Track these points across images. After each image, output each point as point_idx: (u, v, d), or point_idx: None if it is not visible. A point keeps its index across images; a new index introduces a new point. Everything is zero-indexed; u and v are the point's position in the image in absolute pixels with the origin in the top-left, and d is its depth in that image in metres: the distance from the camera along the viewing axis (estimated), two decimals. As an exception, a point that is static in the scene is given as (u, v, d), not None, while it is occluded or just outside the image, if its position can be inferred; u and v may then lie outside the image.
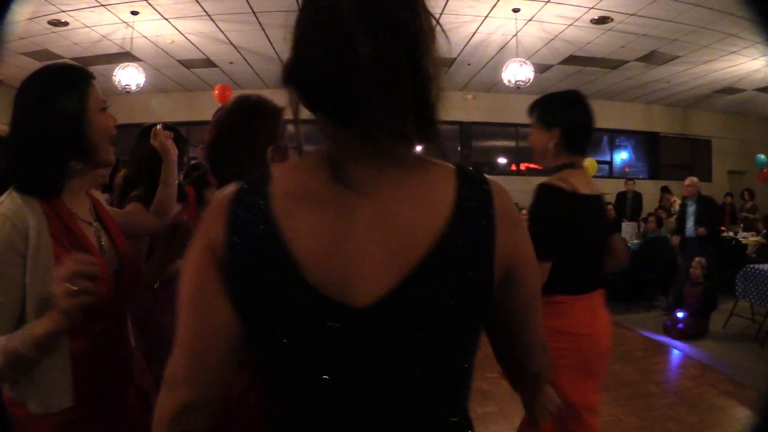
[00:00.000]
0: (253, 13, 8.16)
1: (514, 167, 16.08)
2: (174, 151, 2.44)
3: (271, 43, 9.74)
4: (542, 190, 2.62)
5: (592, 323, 2.57)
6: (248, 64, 11.16)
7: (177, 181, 2.54)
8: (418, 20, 0.97)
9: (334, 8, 0.89)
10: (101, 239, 1.75)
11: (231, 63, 11.10)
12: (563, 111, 2.70)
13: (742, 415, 4.94)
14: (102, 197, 2.63)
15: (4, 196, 1.55)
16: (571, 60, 11.44)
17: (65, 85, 1.62)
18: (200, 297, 0.96)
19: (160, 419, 0.95)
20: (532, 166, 15.91)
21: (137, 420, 1.78)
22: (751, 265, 7.52)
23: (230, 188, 0.98)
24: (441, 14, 8.38)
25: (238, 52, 10.30)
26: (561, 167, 2.67)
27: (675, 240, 9.18)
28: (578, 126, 2.69)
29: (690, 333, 7.30)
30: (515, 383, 1.29)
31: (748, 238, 11.04)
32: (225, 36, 9.29)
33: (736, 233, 11.54)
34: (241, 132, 1.85)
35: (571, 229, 2.51)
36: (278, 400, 1.01)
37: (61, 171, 1.61)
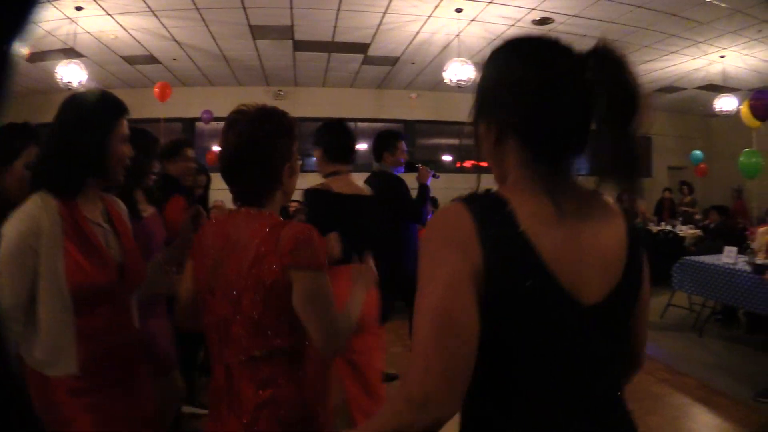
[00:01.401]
0: (197, 9, 8.08)
1: (459, 164, 16.24)
2: None
3: (214, 40, 9.67)
4: (308, 193, 3.52)
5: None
6: (192, 60, 11.05)
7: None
8: (637, 91, 1.15)
9: (577, 82, 1.15)
10: (108, 238, 1.99)
11: (174, 60, 10.96)
12: (325, 135, 3.61)
13: (679, 402, 5.15)
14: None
15: (34, 195, 1.84)
16: (513, 60, 11.51)
17: (99, 117, 1.93)
18: (456, 316, 1.07)
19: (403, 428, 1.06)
20: (479, 163, 16.16)
21: (146, 399, 2.10)
22: (686, 257, 7.79)
23: (457, 211, 1.14)
24: (384, 13, 8.46)
25: (182, 48, 10.18)
26: (328, 175, 3.52)
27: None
28: (336, 144, 3.55)
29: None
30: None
31: (686, 231, 11.39)
32: (168, 32, 9.16)
33: (674, 226, 11.89)
34: (265, 149, 1.87)
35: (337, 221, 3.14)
36: (507, 389, 1.17)
37: (79, 183, 1.90)
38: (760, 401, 5.07)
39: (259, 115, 1.90)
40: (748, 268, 6.51)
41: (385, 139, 5.04)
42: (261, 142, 1.86)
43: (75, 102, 1.95)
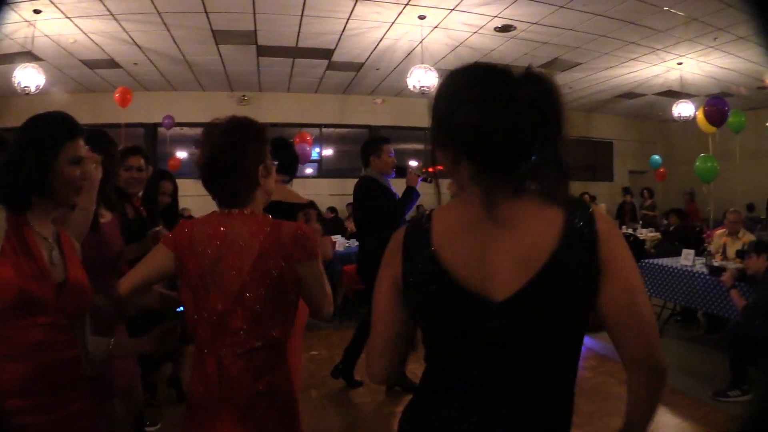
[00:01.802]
0: (158, 13, 8.00)
1: (425, 170, 16.22)
2: (97, 177, 2.46)
3: (176, 44, 9.59)
4: None
5: None
6: (154, 65, 10.95)
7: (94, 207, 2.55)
8: (562, 108, 1.33)
9: (512, 99, 1.29)
10: (52, 254, 1.97)
11: (135, 64, 10.84)
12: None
13: None
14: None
15: None
16: (477, 66, 11.60)
17: (45, 140, 1.97)
18: (382, 311, 1.51)
19: (373, 376, 1.57)
20: (438, 169, 16.26)
21: (86, 423, 2.01)
22: (646, 260, 7.92)
23: (396, 236, 1.48)
24: (348, 19, 8.48)
25: (143, 52, 10.07)
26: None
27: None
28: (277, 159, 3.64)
29: (590, 325, 7.61)
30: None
31: (646, 234, 11.58)
32: (129, 36, 9.04)
33: (635, 230, 12.08)
34: (237, 154, 2.05)
35: None
36: (434, 365, 1.47)
37: (24, 201, 1.92)
38: (718, 400, 5.16)
39: (230, 125, 2.10)
40: (705, 270, 6.64)
41: (370, 144, 5.09)
42: (233, 149, 2.05)
43: (29, 122, 2.02)
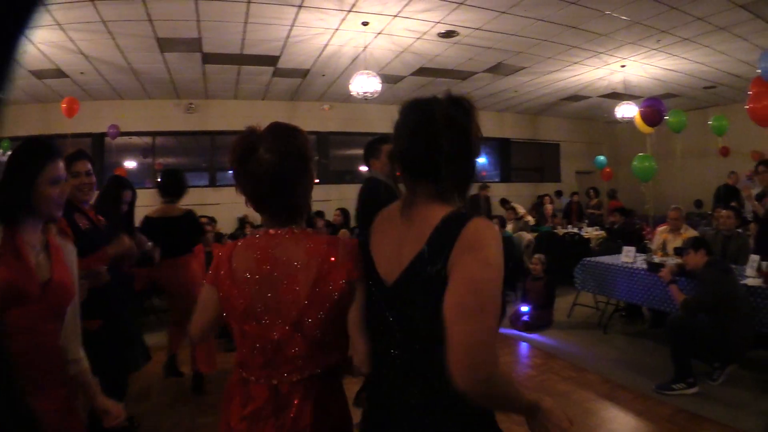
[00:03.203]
0: (103, 22, 7.86)
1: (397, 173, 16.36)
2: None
3: (122, 53, 9.43)
4: (145, 218, 5.56)
5: None
6: (99, 74, 10.73)
7: None
8: (474, 125, 1.68)
9: (431, 118, 1.64)
10: (39, 257, 2.25)
11: (82, 73, 10.60)
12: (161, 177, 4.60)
13: (583, 398, 5.31)
14: None
15: None
16: (422, 71, 11.73)
17: (26, 164, 2.23)
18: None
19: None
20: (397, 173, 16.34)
21: (64, 421, 2.23)
22: (587, 258, 8.10)
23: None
24: (292, 26, 8.47)
25: (89, 62, 9.86)
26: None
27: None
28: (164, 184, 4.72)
29: (535, 324, 7.77)
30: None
31: (591, 233, 11.81)
32: (75, 45, 8.85)
33: (580, 229, 12.31)
34: (306, 165, 1.96)
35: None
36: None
37: (14, 217, 2.19)
38: (663, 393, 5.28)
39: (282, 131, 1.93)
40: (644, 266, 6.80)
41: (369, 146, 5.03)
42: (304, 159, 1.91)
43: (16, 148, 2.30)
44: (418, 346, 1.64)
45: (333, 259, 1.82)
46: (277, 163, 1.84)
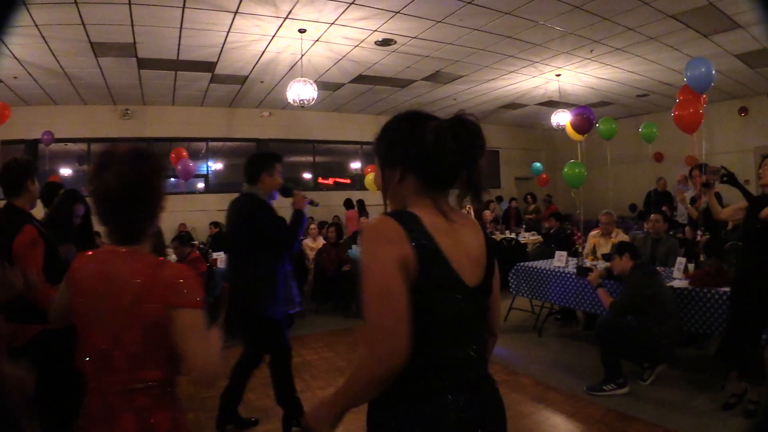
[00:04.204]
0: (35, 25, 7.69)
1: (321, 180, 16.48)
2: None
3: (55, 57, 9.23)
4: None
5: None
6: (33, 78, 10.46)
7: None
8: (483, 142, 1.76)
9: (480, 138, 1.76)
10: None
11: (15, 78, 10.32)
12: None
13: (515, 401, 5.34)
14: None
15: None
16: (360, 79, 11.78)
17: None
18: (391, 287, 1.55)
19: (371, 381, 1.58)
20: (340, 180, 16.37)
21: None
22: (520, 263, 8.22)
23: (389, 221, 1.63)
24: (228, 32, 8.43)
25: (22, 66, 9.62)
26: None
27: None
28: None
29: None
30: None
31: (528, 238, 12.01)
32: (8, 49, 8.64)
33: (518, 234, 12.50)
34: (145, 188, 1.98)
35: None
36: (425, 338, 1.62)
37: None
38: (593, 394, 5.40)
39: (137, 154, 2.00)
40: (574, 270, 6.96)
41: (264, 160, 4.65)
42: (142, 181, 1.95)
43: None
44: (486, 336, 1.90)
45: (152, 282, 1.88)
46: (120, 187, 1.92)
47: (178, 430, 1.98)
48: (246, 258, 4.54)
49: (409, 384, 1.61)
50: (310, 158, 16.34)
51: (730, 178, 5.15)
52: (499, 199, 17.20)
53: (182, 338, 1.86)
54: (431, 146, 1.69)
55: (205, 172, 14.95)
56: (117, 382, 1.87)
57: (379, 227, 1.65)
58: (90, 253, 2.08)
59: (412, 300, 1.56)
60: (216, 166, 15.59)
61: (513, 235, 12.33)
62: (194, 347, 1.86)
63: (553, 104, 14.11)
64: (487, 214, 13.56)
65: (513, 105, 15.30)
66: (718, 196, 5.85)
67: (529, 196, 15.90)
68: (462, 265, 1.69)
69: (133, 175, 1.93)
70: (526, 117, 17.16)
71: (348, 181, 17.31)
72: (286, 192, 4.71)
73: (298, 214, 4.68)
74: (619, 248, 5.92)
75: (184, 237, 8.68)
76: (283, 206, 4.68)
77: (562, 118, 12.32)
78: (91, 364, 1.92)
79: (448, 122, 1.74)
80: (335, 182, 16.79)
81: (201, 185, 15.31)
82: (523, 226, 14.08)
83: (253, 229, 4.42)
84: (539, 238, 11.77)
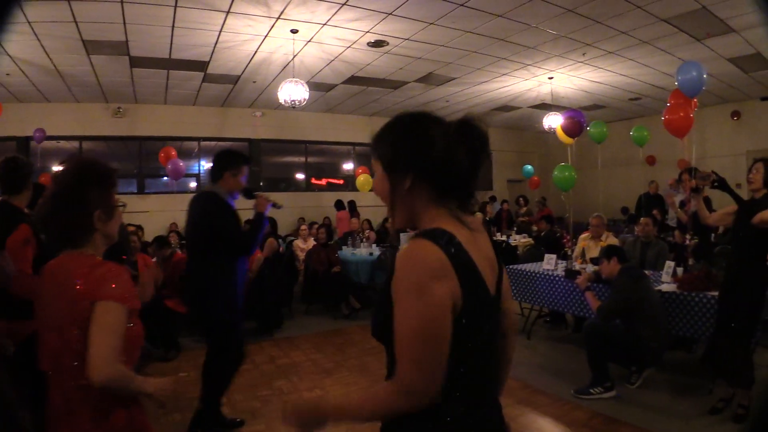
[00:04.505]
0: (28, 22, 7.65)
1: (314, 180, 16.50)
2: None
3: (47, 54, 9.20)
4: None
5: None
6: (25, 75, 10.42)
7: None
8: (487, 144, 1.66)
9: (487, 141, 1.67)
10: None
11: (8, 74, 10.29)
12: None
13: (502, 404, 5.33)
14: None
15: None
16: (353, 80, 11.79)
17: None
18: (440, 327, 1.45)
19: (392, 412, 1.50)
20: (333, 180, 16.36)
21: None
22: (509, 266, 8.18)
23: (434, 249, 1.47)
24: (220, 32, 8.42)
25: (15, 62, 9.58)
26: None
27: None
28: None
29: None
30: None
31: (519, 241, 12.02)
32: (1, 47, 8.66)
33: (509, 236, 12.52)
34: (74, 198, 2.10)
35: None
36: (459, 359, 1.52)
37: None
38: (580, 398, 5.40)
39: (76, 167, 2.17)
40: (563, 274, 6.97)
41: (230, 158, 4.54)
42: (72, 192, 2.09)
43: None
44: (499, 340, 1.80)
45: (88, 281, 1.97)
46: (50, 197, 2.12)
47: (133, 426, 2.08)
48: (203, 258, 4.44)
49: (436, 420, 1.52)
50: (302, 159, 16.33)
51: (721, 183, 5.13)
52: (493, 198, 17.21)
53: (91, 327, 1.92)
54: (443, 154, 1.58)
55: (197, 172, 14.93)
56: (70, 378, 1.96)
57: (423, 256, 1.49)
58: (52, 260, 2.17)
59: (452, 331, 1.48)
60: (209, 165, 15.53)
61: (504, 238, 12.36)
62: (97, 339, 1.91)
63: (545, 107, 14.16)
64: (479, 216, 13.56)
65: (506, 107, 15.33)
66: (708, 201, 5.86)
67: (521, 199, 15.91)
68: (487, 277, 1.60)
69: (66, 184, 2.11)
70: (519, 119, 17.19)
71: (341, 181, 17.29)
72: (248, 194, 4.62)
73: (259, 217, 4.59)
74: (607, 252, 5.93)
75: (162, 239, 8.63)
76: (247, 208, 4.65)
77: (554, 121, 12.32)
78: (47, 363, 2.04)
79: (458, 127, 1.63)
80: (328, 183, 16.79)
81: (193, 184, 15.32)
82: (515, 229, 14.07)
83: (211, 229, 4.31)
84: (530, 240, 11.75)
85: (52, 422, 2.04)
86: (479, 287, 1.55)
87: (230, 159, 4.51)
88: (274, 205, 4.72)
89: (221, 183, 4.44)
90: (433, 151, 1.58)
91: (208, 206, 4.36)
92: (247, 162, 4.59)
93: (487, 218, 13.83)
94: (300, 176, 16.60)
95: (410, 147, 1.62)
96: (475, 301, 1.52)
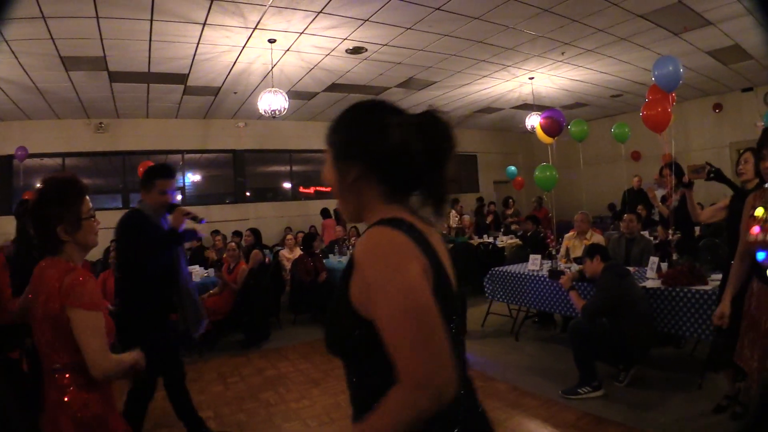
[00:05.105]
0: (4, 40, 7.61)
1: (302, 189, 16.42)
2: None
3: (26, 72, 9.14)
4: None
5: None
6: (5, 93, 10.36)
7: None
8: (453, 144, 1.55)
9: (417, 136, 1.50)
10: None
11: (-13, 92, 10.28)
12: None
13: (490, 407, 5.25)
14: None
15: None
16: (334, 87, 11.78)
17: None
18: (431, 307, 1.30)
19: (419, 418, 1.26)
20: (321, 189, 16.32)
21: None
22: (494, 268, 8.22)
23: (397, 233, 1.39)
24: (198, 44, 8.40)
25: (-7, 81, 9.53)
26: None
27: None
28: None
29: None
30: None
31: (506, 242, 12.02)
32: (-22, 66, 8.63)
33: (495, 238, 12.52)
34: (39, 214, 2.45)
35: None
36: None
37: None
38: (568, 398, 5.39)
39: (39, 188, 2.51)
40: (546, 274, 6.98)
41: (150, 173, 4.36)
42: (34, 211, 2.45)
43: None
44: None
45: (58, 285, 2.32)
46: (33, 208, 2.46)
47: (88, 409, 2.35)
48: (126, 278, 4.29)
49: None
50: (287, 168, 16.32)
51: (717, 175, 5.06)
52: (480, 200, 17.24)
53: (77, 335, 2.29)
54: (396, 146, 1.46)
55: (181, 185, 14.87)
56: (47, 363, 2.37)
57: (388, 239, 1.39)
58: (41, 261, 2.52)
59: None
60: (194, 177, 15.47)
61: (490, 239, 12.37)
62: (85, 343, 2.28)
63: (528, 107, 14.19)
64: (466, 219, 13.56)
65: (488, 109, 15.37)
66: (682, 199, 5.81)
67: (510, 200, 15.91)
68: (450, 274, 1.52)
69: (35, 202, 2.45)
70: (502, 120, 17.21)
71: (329, 189, 17.04)
72: (170, 209, 4.36)
73: (170, 234, 4.27)
74: (590, 251, 5.94)
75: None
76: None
77: (536, 121, 12.30)
78: (38, 349, 2.44)
79: (416, 118, 1.52)
80: (316, 191, 16.74)
81: (179, 198, 15.23)
82: (502, 230, 14.07)
83: (134, 247, 4.16)
84: (517, 241, 11.75)
85: (45, 396, 2.39)
86: (447, 278, 1.48)
87: (149, 174, 4.34)
88: (194, 219, 4.42)
89: (147, 199, 4.30)
90: (385, 141, 1.48)
91: (124, 225, 4.20)
92: (165, 175, 4.35)
93: (450, 225, 13.34)
94: (286, 185, 16.55)
95: (361, 135, 1.53)
96: (445, 291, 1.43)
